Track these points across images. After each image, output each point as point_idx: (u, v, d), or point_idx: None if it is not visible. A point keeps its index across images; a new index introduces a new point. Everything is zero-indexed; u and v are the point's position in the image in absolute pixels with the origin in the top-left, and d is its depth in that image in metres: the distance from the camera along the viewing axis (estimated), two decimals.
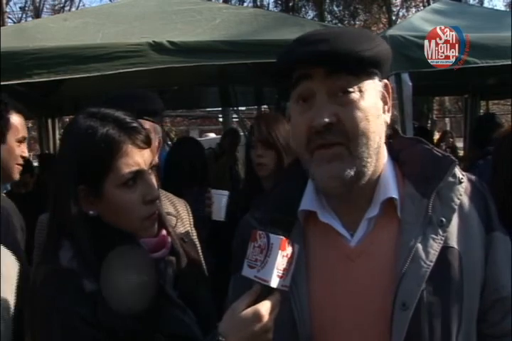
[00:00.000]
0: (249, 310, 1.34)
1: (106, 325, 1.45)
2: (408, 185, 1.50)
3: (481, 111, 11.21)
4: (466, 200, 1.51)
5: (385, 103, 1.50)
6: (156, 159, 2.31)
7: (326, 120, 1.39)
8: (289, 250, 1.36)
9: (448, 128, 19.32)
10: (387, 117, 1.50)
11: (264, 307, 1.35)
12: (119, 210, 1.58)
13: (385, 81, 1.51)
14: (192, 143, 4.17)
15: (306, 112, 1.44)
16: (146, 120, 2.16)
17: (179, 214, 2.36)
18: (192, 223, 2.42)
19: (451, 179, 1.49)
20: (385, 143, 1.53)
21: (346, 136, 1.40)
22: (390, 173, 1.52)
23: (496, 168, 2.38)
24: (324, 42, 1.41)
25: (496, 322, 1.52)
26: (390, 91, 1.52)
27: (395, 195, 1.48)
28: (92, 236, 1.54)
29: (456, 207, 1.47)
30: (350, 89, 1.41)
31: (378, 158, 1.48)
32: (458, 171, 1.51)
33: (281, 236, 1.35)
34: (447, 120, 24.00)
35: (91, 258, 1.49)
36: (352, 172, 1.41)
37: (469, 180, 1.54)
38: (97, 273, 1.42)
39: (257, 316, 1.34)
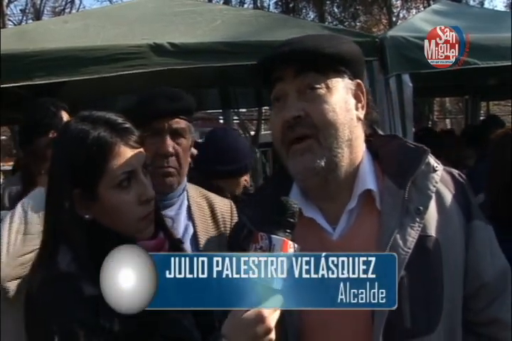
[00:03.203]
0: (252, 311, 1.34)
1: (107, 329, 1.45)
2: (387, 179, 1.58)
3: (482, 112, 11.19)
4: (444, 190, 1.58)
5: (358, 101, 1.59)
6: (189, 158, 2.28)
7: (295, 114, 1.51)
8: (290, 251, 1.36)
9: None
10: (360, 114, 1.59)
11: (267, 309, 1.35)
12: (115, 212, 1.57)
13: (358, 81, 1.61)
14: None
15: (280, 111, 1.56)
16: (182, 119, 2.14)
17: (215, 216, 2.26)
18: (234, 223, 2.34)
19: (424, 168, 1.57)
20: (365, 141, 1.63)
21: (315, 127, 1.51)
22: (368, 168, 1.60)
23: (493, 169, 2.39)
24: (288, 45, 1.57)
25: (481, 309, 1.59)
26: (364, 91, 1.62)
27: (372, 187, 1.56)
28: (89, 239, 1.54)
29: (432, 194, 1.55)
30: (317, 86, 1.53)
31: (353, 152, 1.57)
32: (432, 160, 1.58)
33: (283, 238, 1.36)
34: (448, 121, 23.97)
35: (88, 262, 1.48)
36: (322, 163, 1.51)
37: (447, 171, 1.63)
38: (96, 277, 1.41)
39: (260, 317, 1.34)
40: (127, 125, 1.61)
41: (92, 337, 1.44)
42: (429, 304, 1.50)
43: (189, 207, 2.24)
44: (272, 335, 1.36)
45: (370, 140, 1.66)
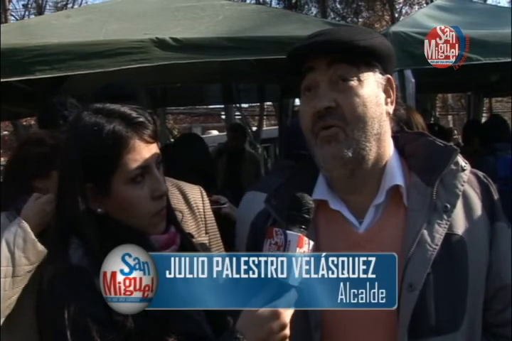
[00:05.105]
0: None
1: (120, 324, 1.43)
2: (414, 176, 1.58)
3: (484, 108, 11.17)
4: (470, 190, 1.59)
5: (387, 96, 1.59)
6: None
7: (326, 104, 1.51)
8: (305, 247, 1.36)
9: (451, 126, 19.25)
10: (389, 109, 1.59)
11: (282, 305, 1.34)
12: (128, 207, 1.56)
13: (389, 76, 1.61)
14: (195, 140, 4.00)
15: (311, 101, 1.55)
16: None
17: (189, 203, 2.32)
18: (206, 207, 2.38)
19: (453, 167, 1.57)
20: (392, 137, 1.62)
21: (344, 119, 1.52)
22: (395, 164, 1.60)
23: None
24: (322, 35, 1.57)
25: (499, 310, 1.60)
26: (394, 86, 1.61)
27: (400, 182, 1.56)
28: (101, 234, 1.52)
29: (460, 193, 1.55)
30: (350, 78, 1.53)
31: (381, 146, 1.57)
32: (460, 159, 1.59)
33: (299, 234, 1.36)
34: (450, 117, 23.93)
35: (101, 256, 1.44)
36: (350, 154, 1.51)
37: (473, 172, 1.62)
38: None
39: (275, 313, 1.34)
40: (142, 119, 1.57)
41: (105, 332, 1.42)
42: (455, 301, 1.52)
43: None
44: (287, 331, 1.36)
45: (397, 136, 1.66)
